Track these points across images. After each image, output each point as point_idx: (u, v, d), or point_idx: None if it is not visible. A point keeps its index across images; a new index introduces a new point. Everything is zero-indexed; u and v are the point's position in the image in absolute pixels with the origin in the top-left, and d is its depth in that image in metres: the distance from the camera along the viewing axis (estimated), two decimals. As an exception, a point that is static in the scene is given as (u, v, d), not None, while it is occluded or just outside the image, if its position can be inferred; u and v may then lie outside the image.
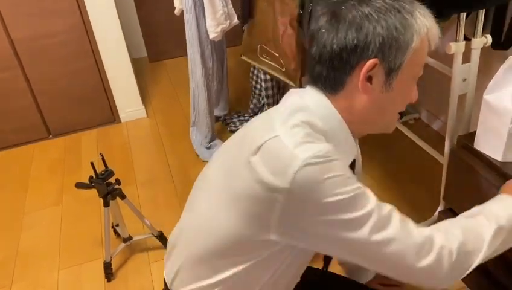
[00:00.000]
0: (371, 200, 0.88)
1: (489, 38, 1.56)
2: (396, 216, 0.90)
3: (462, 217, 1.01)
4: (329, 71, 0.93)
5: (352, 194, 0.86)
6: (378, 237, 0.87)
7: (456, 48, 1.54)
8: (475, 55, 1.57)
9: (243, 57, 2.36)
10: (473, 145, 1.52)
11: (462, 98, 1.66)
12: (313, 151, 0.85)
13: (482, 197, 1.48)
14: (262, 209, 0.88)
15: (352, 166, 1.07)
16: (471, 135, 1.54)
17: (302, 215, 0.86)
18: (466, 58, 1.59)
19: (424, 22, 0.90)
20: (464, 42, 1.54)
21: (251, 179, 0.88)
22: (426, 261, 0.88)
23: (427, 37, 0.91)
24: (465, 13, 1.49)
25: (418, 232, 0.91)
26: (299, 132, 0.89)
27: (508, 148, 1.41)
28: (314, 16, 1.01)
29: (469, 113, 1.66)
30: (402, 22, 0.88)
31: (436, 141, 2.37)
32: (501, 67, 1.38)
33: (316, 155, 0.84)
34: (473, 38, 1.55)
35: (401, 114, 1.06)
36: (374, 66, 0.89)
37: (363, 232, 0.86)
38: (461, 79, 1.61)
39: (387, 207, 0.90)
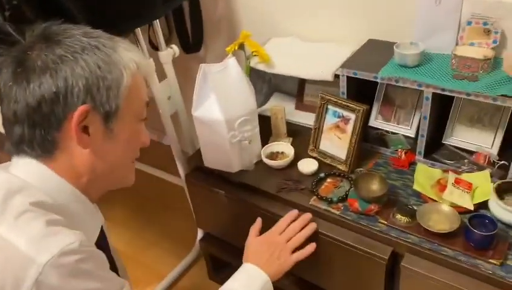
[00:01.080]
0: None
1: (175, 49, 1.42)
2: None
3: None
4: (32, 131, 0.78)
5: None
6: None
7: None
8: (169, 70, 1.42)
9: None
10: (203, 164, 1.39)
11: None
12: (58, 247, 0.69)
13: (228, 214, 1.41)
14: None
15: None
16: (200, 153, 1.42)
17: None
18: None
19: (130, 56, 0.82)
20: (151, 60, 1.36)
21: None
22: None
23: (139, 71, 0.83)
24: (140, 28, 1.30)
25: None
26: (30, 221, 0.72)
27: (235, 157, 1.32)
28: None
29: (189, 131, 1.52)
30: (105, 60, 0.78)
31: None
32: (197, 79, 1.26)
33: (62, 252, 0.69)
34: (159, 53, 1.39)
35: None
36: (85, 114, 0.77)
37: None
38: (166, 98, 1.44)
39: None
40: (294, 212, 1.18)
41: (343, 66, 1.29)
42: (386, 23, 1.37)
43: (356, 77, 1.25)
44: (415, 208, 1.11)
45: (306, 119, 1.49)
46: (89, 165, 0.81)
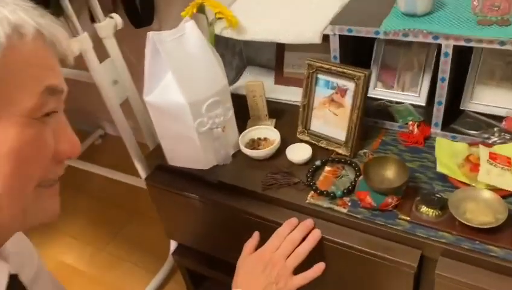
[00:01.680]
0: None
1: (117, 18, 1.11)
2: None
3: None
4: None
5: None
6: None
7: (80, 44, 1.03)
8: (111, 47, 1.11)
9: None
10: (167, 162, 1.10)
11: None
12: None
13: (203, 222, 1.13)
14: None
15: None
16: (157, 150, 1.13)
17: None
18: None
19: (1, 15, 0.49)
20: (86, 34, 1.05)
21: None
22: None
23: (21, 36, 0.50)
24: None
25: None
26: None
27: (206, 150, 1.03)
28: None
29: (145, 121, 1.22)
30: None
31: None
32: (145, 53, 0.96)
33: None
34: (96, 25, 1.08)
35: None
36: None
37: None
38: (110, 82, 1.14)
39: None
40: (293, 221, 0.92)
41: (333, 22, 1.01)
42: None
43: (351, 35, 0.98)
44: (444, 196, 0.86)
45: (290, 95, 1.22)
46: None
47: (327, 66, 1.00)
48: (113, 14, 1.11)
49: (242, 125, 1.12)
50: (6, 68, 0.48)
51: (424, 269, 0.85)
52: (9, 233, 0.59)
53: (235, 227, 1.02)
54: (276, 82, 1.30)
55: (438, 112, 0.99)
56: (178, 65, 0.95)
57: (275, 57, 1.28)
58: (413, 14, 0.94)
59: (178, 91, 0.95)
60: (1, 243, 0.59)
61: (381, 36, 0.95)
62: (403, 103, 1.11)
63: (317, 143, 1.06)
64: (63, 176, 0.59)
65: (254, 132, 1.10)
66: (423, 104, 1.09)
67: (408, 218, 0.85)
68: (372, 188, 0.87)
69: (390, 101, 1.12)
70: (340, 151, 1.03)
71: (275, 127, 1.11)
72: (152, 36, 0.94)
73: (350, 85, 0.99)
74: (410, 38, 0.92)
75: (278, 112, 1.18)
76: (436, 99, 0.98)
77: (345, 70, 0.98)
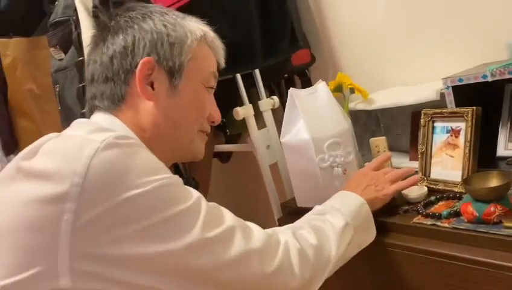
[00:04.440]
0: (195, 193, 0.74)
1: (275, 99, 1.46)
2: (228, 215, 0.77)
3: (307, 217, 0.95)
4: (103, 86, 0.84)
5: (166, 182, 0.69)
6: (211, 234, 0.70)
7: (244, 112, 1.39)
8: (268, 118, 1.44)
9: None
10: (296, 205, 1.26)
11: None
12: (113, 134, 0.69)
13: None
14: (42, 238, 0.62)
15: None
16: (293, 200, 1.30)
17: (108, 226, 0.63)
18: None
19: (196, 25, 0.89)
20: (251, 105, 1.42)
21: (23, 195, 0.65)
22: (274, 263, 0.75)
23: (206, 41, 0.89)
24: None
25: (260, 233, 0.78)
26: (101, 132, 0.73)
27: (327, 188, 1.16)
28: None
29: (288, 183, 1.44)
30: (170, 21, 0.85)
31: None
32: (286, 106, 1.24)
33: (117, 136, 0.69)
34: (259, 102, 1.44)
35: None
36: (150, 66, 0.82)
37: (195, 232, 0.68)
38: (265, 147, 1.43)
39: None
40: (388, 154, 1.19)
41: (445, 78, 1.14)
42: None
43: (462, 84, 1.08)
44: (558, 203, 0.79)
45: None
46: (152, 119, 0.83)
47: (442, 111, 1.10)
48: (274, 97, 1.46)
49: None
50: (198, 54, 0.88)
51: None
52: (170, 160, 0.90)
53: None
54: (411, 159, 1.38)
55: None
56: (309, 113, 1.19)
57: (409, 137, 1.40)
58: (520, 57, 1.02)
59: (305, 131, 1.17)
60: (170, 162, 0.90)
61: (488, 78, 1.03)
62: (536, 156, 1.07)
63: (435, 187, 1.09)
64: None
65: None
66: (559, 155, 1.04)
67: (514, 225, 0.80)
68: (473, 196, 0.86)
69: (523, 158, 1.10)
70: (456, 189, 1.03)
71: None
72: (292, 91, 1.22)
73: (462, 125, 1.05)
74: (516, 74, 0.98)
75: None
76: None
77: (456, 110, 1.06)
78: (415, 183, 1.05)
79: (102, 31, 0.87)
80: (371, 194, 0.99)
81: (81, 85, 1.38)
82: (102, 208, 0.62)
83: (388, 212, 1.03)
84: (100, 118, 0.84)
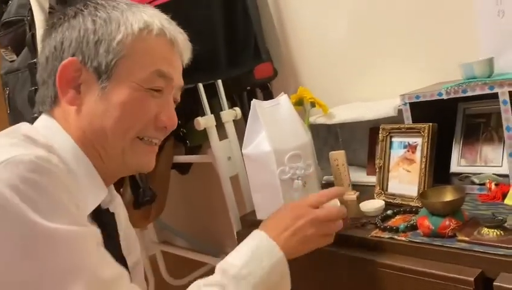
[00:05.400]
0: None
1: (238, 111, 1.45)
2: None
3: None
4: (43, 88, 0.81)
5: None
6: None
7: (206, 122, 1.37)
8: (230, 130, 1.43)
9: None
10: (256, 218, 1.25)
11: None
12: (31, 153, 0.63)
13: None
14: None
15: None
16: (253, 212, 1.29)
17: None
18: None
19: (140, 16, 0.78)
20: (212, 116, 1.40)
21: None
22: None
23: (151, 34, 0.78)
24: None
25: None
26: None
27: (286, 201, 1.16)
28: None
29: (248, 195, 1.43)
30: (102, 16, 0.77)
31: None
32: (248, 117, 1.24)
33: (36, 157, 0.63)
34: (220, 113, 1.43)
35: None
36: (75, 68, 0.76)
37: None
38: (226, 158, 1.42)
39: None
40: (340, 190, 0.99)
41: (403, 95, 1.17)
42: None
43: (419, 101, 1.11)
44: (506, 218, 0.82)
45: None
46: (77, 126, 0.77)
47: (399, 126, 1.12)
48: (236, 108, 1.46)
49: (326, 191, 1.24)
50: (133, 50, 0.78)
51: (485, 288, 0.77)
52: (113, 171, 0.82)
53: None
54: (369, 173, 1.41)
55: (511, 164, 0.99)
56: (271, 125, 1.19)
57: (367, 150, 1.43)
58: (472, 77, 1.06)
59: (267, 143, 1.17)
60: (108, 183, 0.82)
61: (443, 96, 1.07)
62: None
63: (392, 201, 1.11)
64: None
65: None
66: (507, 172, 1.08)
67: (467, 239, 0.82)
68: (430, 210, 0.89)
69: (474, 174, 1.14)
70: (412, 204, 1.06)
71: (356, 199, 1.20)
72: (254, 103, 1.22)
73: (419, 140, 1.08)
74: (469, 93, 1.02)
75: (362, 188, 1.27)
76: (507, 150, 0.99)
77: (413, 126, 1.09)
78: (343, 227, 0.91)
79: (46, 30, 0.82)
80: (299, 242, 0.83)
81: (33, 88, 1.31)
82: None
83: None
84: (41, 122, 0.80)
